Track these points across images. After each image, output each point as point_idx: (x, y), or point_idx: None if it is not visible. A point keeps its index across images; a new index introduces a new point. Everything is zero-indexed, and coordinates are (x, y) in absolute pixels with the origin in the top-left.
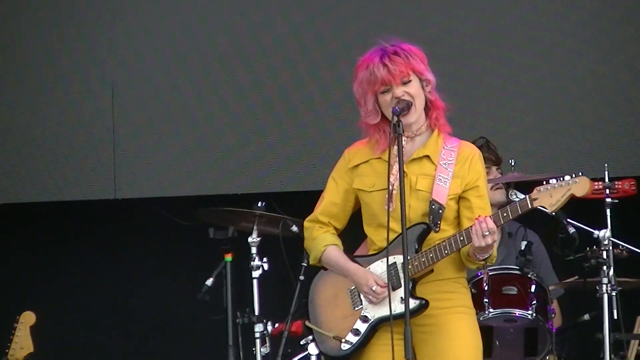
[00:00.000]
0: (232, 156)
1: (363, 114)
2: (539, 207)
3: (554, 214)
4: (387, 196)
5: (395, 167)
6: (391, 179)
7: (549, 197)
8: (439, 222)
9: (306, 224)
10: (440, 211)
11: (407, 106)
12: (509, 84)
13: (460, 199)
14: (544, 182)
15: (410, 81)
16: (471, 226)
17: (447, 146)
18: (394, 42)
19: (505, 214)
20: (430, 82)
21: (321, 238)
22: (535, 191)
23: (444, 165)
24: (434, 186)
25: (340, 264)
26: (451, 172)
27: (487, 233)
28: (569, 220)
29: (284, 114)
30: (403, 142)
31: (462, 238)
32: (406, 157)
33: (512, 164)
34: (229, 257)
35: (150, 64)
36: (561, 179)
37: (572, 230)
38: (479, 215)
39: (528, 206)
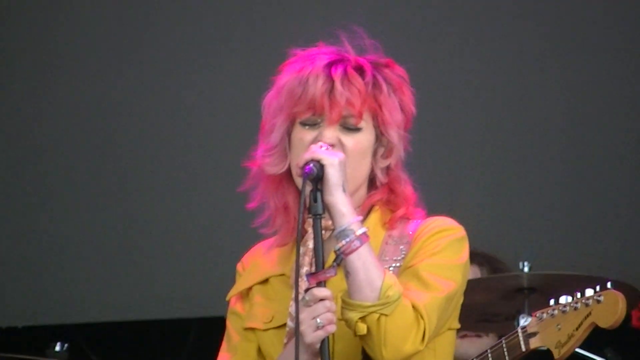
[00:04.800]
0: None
1: (261, 150)
2: (539, 348)
3: None
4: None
5: (303, 283)
6: (291, 307)
7: (556, 331)
8: None
9: None
10: None
11: None
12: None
13: None
14: (552, 302)
15: (358, 129)
16: None
17: (393, 238)
18: (364, 45)
19: None
20: (392, 148)
21: None
22: (533, 320)
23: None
24: None
25: None
26: None
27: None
28: None
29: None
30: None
31: None
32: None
33: (525, 268)
34: None
35: None
36: (578, 294)
37: None
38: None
39: (521, 348)
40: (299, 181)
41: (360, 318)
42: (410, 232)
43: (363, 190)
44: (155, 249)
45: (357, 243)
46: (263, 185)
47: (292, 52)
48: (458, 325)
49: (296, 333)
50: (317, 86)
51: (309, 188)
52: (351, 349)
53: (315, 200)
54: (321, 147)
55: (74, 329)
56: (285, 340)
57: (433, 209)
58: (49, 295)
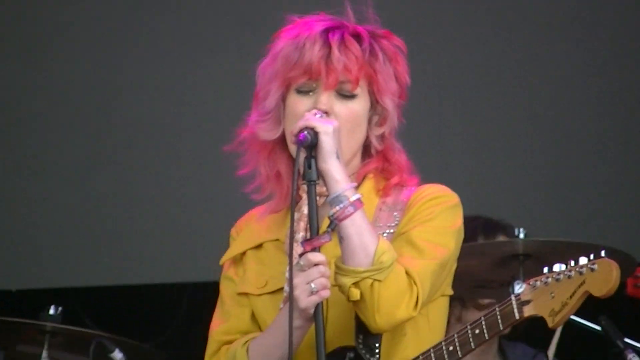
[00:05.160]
0: None
1: (255, 115)
2: (533, 316)
3: (600, 329)
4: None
5: (298, 248)
6: (287, 273)
7: (549, 299)
8: (376, 345)
9: None
10: None
11: None
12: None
13: None
14: (545, 269)
15: (353, 96)
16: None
17: (387, 205)
18: (366, 16)
19: (477, 332)
20: (387, 116)
21: (232, 349)
22: (527, 288)
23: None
24: None
25: (269, 328)
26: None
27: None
28: (627, 341)
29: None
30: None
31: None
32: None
33: (521, 234)
34: None
35: None
36: (572, 262)
37: (633, 358)
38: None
39: (514, 316)
40: (292, 148)
41: (354, 283)
42: (404, 199)
43: (357, 158)
44: (149, 213)
45: (350, 209)
46: (255, 151)
47: (289, 19)
48: (451, 292)
49: (290, 298)
50: (314, 51)
51: (303, 155)
52: (345, 315)
53: (310, 167)
54: (315, 114)
55: (68, 292)
56: (281, 305)
57: (427, 177)
58: (43, 259)
